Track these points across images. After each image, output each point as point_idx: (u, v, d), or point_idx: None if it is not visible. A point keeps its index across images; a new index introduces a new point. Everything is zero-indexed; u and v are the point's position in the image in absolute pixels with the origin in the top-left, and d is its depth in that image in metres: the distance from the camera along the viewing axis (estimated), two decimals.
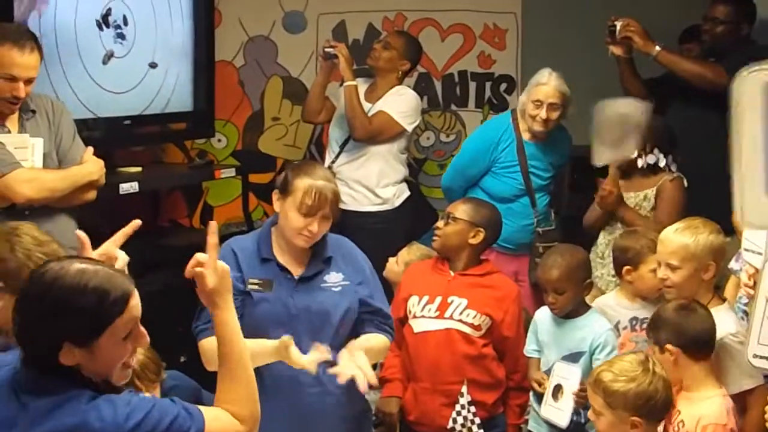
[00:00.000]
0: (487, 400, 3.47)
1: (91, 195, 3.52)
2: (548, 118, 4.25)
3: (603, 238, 4.09)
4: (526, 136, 4.36)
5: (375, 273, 3.17)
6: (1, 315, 2.28)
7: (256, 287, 2.98)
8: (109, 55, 4.31)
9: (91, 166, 3.52)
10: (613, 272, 3.99)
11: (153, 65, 4.66)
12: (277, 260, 3.02)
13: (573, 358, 3.35)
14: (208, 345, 2.93)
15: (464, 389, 3.43)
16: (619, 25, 4.26)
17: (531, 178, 4.33)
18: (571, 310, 3.41)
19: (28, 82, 3.32)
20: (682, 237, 3.03)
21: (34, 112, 3.45)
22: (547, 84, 4.26)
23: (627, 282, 3.49)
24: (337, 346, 3.01)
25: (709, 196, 3.92)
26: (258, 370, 2.91)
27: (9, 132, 3.37)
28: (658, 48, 4.22)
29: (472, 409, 3.44)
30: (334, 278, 3.04)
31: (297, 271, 3.03)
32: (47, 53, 3.66)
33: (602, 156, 3.87)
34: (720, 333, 2.89)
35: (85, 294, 1.93)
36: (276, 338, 2.88)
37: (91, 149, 3.56)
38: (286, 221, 2.98)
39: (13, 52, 3.26)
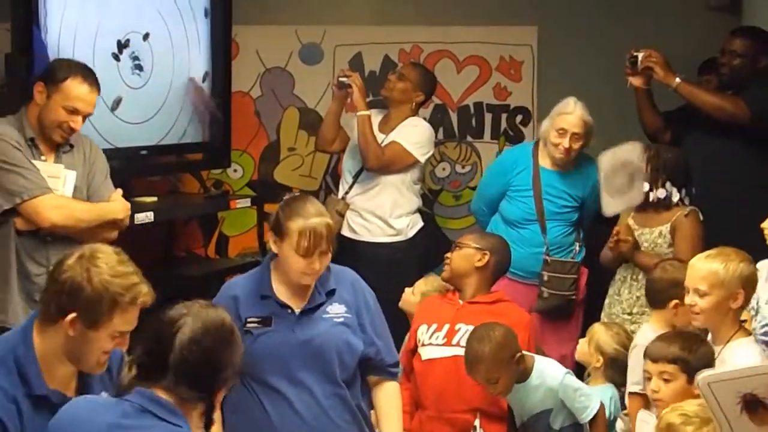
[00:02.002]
0: (497, 431, 3.44)
1: (113, 234, 3.59)
2: (570, 147, 4.25)
3: (619, 275, 4.07)
4: (545, 163, 4.37)
5: (379, 306, 3.16)
6: (71, 345, 2.30)
7: (254, 325, 2.98)
8: (117, 102, 4.33)
9: (117, 206, 3.60)
10: (629, 310, 3.97)
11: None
12: (276, 297, 3.00)
13: (540, 417, 3.31)
14: None
15: (477, 422, 3.41)
16: (640, 55, 4.26)
17: (544, 204, 4.33)
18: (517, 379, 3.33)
19: (84, 117, 3.48)
20: (713, 263, 3.00)
21: (72, 146, 3.56)
22: (572, 113, 4.27)
23: (664, 313, 3.43)
24: (346, 380, 3.03)
25: (728, 228, 3.92)
26: (262, 406, 2.95)
27: (45, 161, 3.49)
28: (678, 80, 4.22)
29: None
30: (336, 309, 3.03)
31: (298, 305, 3.01)
32: None
33: (611, 206, 3.89)
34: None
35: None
36: (275, 370, 2.95)
37: (120, 191, 3.66)
38: (287, 264, 2.97)
39: (83, 86, 3.44)
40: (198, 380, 2.11)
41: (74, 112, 3.43)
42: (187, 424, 2.11)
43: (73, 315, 2.27)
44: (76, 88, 3.43)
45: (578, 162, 4.38)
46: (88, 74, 3.50)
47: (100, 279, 2.28)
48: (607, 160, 3.82)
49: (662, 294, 3.47)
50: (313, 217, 2.94)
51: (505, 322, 3.45)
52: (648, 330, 3.44)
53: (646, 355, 2.98)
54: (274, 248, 3.00)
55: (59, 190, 3.45)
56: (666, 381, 2.88)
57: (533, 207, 4.34)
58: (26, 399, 2.26)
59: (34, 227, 3.39)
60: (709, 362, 2.85)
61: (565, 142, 4.25)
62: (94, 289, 2.27)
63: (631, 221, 4.05)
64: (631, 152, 3.86)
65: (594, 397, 3.31)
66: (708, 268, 3.00)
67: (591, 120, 4.29)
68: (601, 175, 3.82)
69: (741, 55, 4.31)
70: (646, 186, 3.94)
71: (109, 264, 2.32)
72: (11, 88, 4.06)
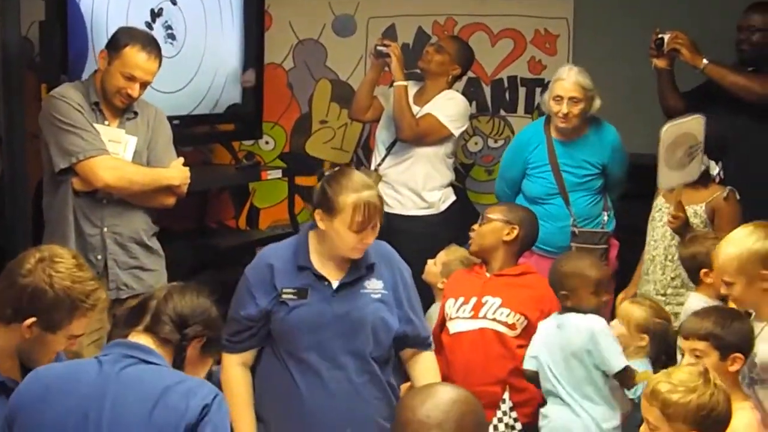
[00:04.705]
0: (526, 404, 3.43)
1: (170, 200, 3.69)
2: (569, 112, 4.22)
3: (648, 255, 4.03)
4: (558, 135, 4.34)
5: (413, 281, 3.15)
6: (26, 346, 2.33)
7: (290, 297, 2.96)
8: None
9: (174, 172, 3.68)
10: (663, 291, 3.93)
11: None
12: (314, 268, 2.98)
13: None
14: (229, 368, 2.99)
15: (506, 395, 3.40)
16: (666, 37, 4.22)
17: (564, 177, 4.30)
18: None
19: (143, 85, 3.57)
20: (729, 250, 2.92)
21: (136, 114, 3.66)
22: (566, 79, 4.25)
23: (707, 285, 3.40)
24: (379, 357, 3.01)
25: (754, 204, 3.87)
26: (292, 379, 2.95)
27: (108, 125, 3.59)
28: (705, 61, 4.20)
29: (514, 414, 3.41)
30: (374, 285, 3.01)
31: (336, 278, 2.99)
32: (98, 51, 3.72)
33: (668, 180, 3.79)
34: None
35: None
36: (308, 344, 2.92)
37: (181, 159, 3.73)
38: (338, 240, 2.91)
39: (140, 54, 3.53)
40: (177, 318, 2.23)
41: (131, 78, 3.52)
42: (165, 362, 2.20)
43: (32, 320, 2.29)
44: (134, 55, 3.51)
45: (592, 128, 4.35)
46: (148, 43, 3.58)
47: (62, 285, 2.29)
48: (670, 131, 3.73)
49: (693, 270, 3.44)
50: (364, 189, 2.89)
51: (532, 294, 3.47)
52: (693, 301, 3.38)
53: (679, 331, 2.93)
54: (321, 225, 2.93)
55: (119, 154, 3.56)
56: (698, 358, 2.79)
57: (553, 181, 4.31)
58: None
59: (90, 188, 3.52)
60: (745, 338, 2.79)
61: (564, 108, 4.22)
62: (56, 295, 2.29)
63: (662, 199, 3.99)
64: (693, 125, 3.78)
65: None
66: (725, 257, 2.92)
67: (588, 82, 4.25)
68: (662, 147, 3.74)
69: (760, 30, 4.29)
70: (707, 163, 3.86)
71: (68, 269, 2.33)
72: (46, 56, 4.08)
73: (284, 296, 2.96)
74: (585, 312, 3.28)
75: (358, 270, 2.99)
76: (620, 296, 4.03)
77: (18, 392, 2.22)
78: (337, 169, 3.01)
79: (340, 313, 2.95)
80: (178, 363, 2.24)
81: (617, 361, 3.20)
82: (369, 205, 2.87)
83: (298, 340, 2.96)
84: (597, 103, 4.29)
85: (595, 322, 3.27)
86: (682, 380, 2.48)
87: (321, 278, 2.98)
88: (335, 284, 2.98)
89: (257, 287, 2.98)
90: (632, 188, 4.44)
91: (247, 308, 2.97)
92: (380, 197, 2.94)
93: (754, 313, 2.94)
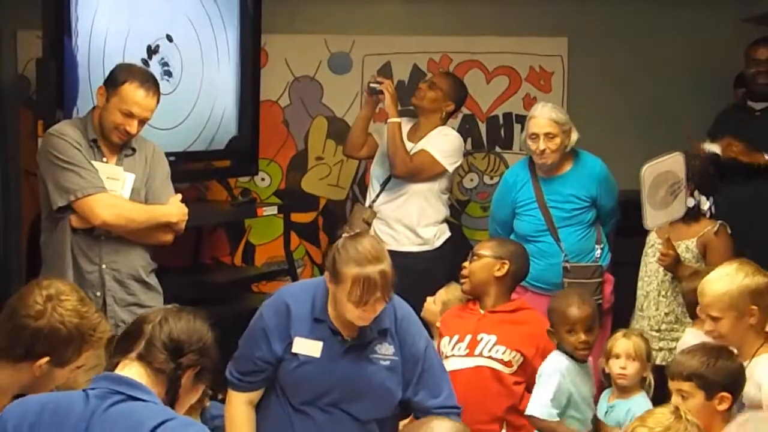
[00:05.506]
0: None
1: (168, 237, 3.69)
2: (546, 148, 4.23)
3: (641, 290, 4.03)
4: (542, 172, 4.35)
5: (432, 346, 3.12)
6: (33, 382, 2.33)
7: (302, 351, 2.94)
8: None
9: (172, 209, 3.67)
10: (657, 327, 3.91)
11: None
12: (329, 322, 2.94)
13: None
14: (235, 406, 2.98)
15: None
16: (719, 150, 4.23)
17: (552, 213, 4.30)
18: None
19: (141, 122, 3.58)
20: (717, 286, 2.93)
21: (134, 150, 3.67)
22: (538, 116, 4.27)
23: (703, 320, 3.38)
24: (377, 418, 3.00)
25: (752, 237, 3.89)
26: (291, 427, 2.96)
27: (106, 162, 3.59)
28: (766, 157, 4.24)
29: None
30: (385, 350, 2.98)
31: (350, 334, 2.95)
32: (95, 88, 3.74)
33: (653, 219, 3.80)
34: None
35: None
36: (310, 397, 2.92)
37: (179, 196, 3.73)
38: (340, 307, 2.88)
39: (139, 91, 3.53)
40: (172, 346, 2.18)
41: (130, 115, 3.53)
42: (154, 396, 2.15)
43: (46, 359, 2.33)
44: (132, 92, 3.52)
45: (577, 161, 4.35)
46: (146, 80, 3.59)
47: (73, 322, 2.34)
48: (650, 171, 3.75)
49: (694, 305, 3.43)
50: (369, 264, 2.80)
51: (528, 330, 3.46)
52: (689, 337, 3.38)
53: (667, 371, 2.92)
54: (329, 287, 2.90)
55: (117, 192, 3.56)
56: (684, 399, 2.78)
57: (541, 218, 4.31)
58: None
59: (88, 225, 3.52)
60: (731, 377, 2.78)
61: (540, 145, 4.23)
62: (68, 332, 2.34)
63: (654, 234, 3.99)
64: (673, 164, 3.80)
65: None
66: (713, 293, 2.93)
67: (563, 117, 4.26)
68: (644, 187, 3.75)
69: None
70: (691, 201, 3.87)
71: (74, 306, 2.37)
72: (43, 93, 4.09)
73: (296, 349, 2.93)
74: (562, 350, 3.27)
75: (370, 333, 2.95)
76: None
77: (8, 411, 2.18)
78: (352, 234, 2.92)
79: (348, 375, 2.94)
80: (172, 393, 2.20)
81: (530, 404, 3.21)
82: (369, 281, 2.78)
83: (302, 393, 2.96)
84: (574, 136, 4.28)
85: (549, 363, 3.27)
86: (658, 421, 2.51)
87: (335, 333, 2.95)
88: (348, 340, 2.95)
89: (273, 331, 2.95)
90: (627, 224, 4.43)
91: (261, 349, 2.96)
92: (385, 272, 2.83)
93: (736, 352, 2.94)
